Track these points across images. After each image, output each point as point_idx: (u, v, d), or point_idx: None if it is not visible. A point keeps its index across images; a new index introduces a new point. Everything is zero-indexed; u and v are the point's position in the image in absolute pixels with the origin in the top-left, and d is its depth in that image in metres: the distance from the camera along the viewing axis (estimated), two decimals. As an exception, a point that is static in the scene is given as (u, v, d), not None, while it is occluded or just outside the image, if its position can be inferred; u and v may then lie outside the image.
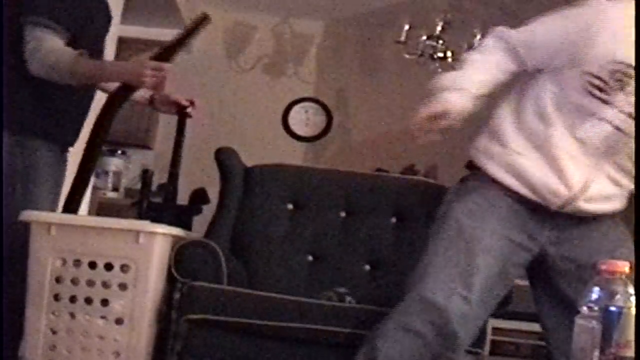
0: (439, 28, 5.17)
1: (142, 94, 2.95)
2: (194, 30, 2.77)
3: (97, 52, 2.78)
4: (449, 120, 2.22)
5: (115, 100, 2.76)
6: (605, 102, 2.15)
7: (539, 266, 2.32)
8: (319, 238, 3.05)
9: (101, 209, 5.24)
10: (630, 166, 2.22)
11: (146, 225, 2.60)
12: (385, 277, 2.97)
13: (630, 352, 1.65)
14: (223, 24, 6.43)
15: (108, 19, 2.94)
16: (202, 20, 2.77)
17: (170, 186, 3.00)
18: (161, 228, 2.61)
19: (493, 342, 4.86)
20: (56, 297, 2.55)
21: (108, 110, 2.75)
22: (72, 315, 2.55)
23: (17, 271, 2.57)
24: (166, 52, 2.71)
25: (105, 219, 2.75)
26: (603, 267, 1.69)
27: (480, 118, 2.34)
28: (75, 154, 2.89)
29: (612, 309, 1.65)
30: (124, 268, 2.54)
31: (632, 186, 2.26)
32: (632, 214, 2.29)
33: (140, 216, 2.92)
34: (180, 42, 2.74)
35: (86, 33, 2.71)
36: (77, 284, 2.56)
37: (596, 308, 1.67)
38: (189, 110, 2.95)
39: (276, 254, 3.00)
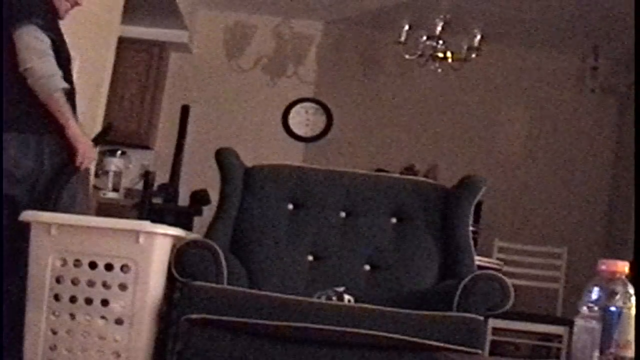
0: (439, 28, 5.16)
1: None
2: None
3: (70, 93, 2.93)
4: None
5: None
6: None
7: None
8: (319, 238, 3.05)
9: (101, 209, 5.23)
10: None
11: (146, 225, 2.60)
12: (385, 277, 2.97)
13: (630, 352, 1.65)
14: (223, 24, 6.43)
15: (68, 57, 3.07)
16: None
17: (171, 188, 3.01)
18: (161, 228, 2.61)
19: (493, 342, 4.86)
20: (56, 298, 2.55)
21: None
22: (72, 316, 2.55)
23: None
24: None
25: (105, 219, 2.74)
26: (603, 267, 1.69)
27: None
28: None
29: (612, 309, 1.65)
30: (124, 268, 2.54)
31: None
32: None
33: (142, 217, 2.91)
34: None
35: (60, 53, 2.87)
36: (78, 284, 2.56)
37: (596, 308, 1.66)
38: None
39: (276, 254, 2.99)
